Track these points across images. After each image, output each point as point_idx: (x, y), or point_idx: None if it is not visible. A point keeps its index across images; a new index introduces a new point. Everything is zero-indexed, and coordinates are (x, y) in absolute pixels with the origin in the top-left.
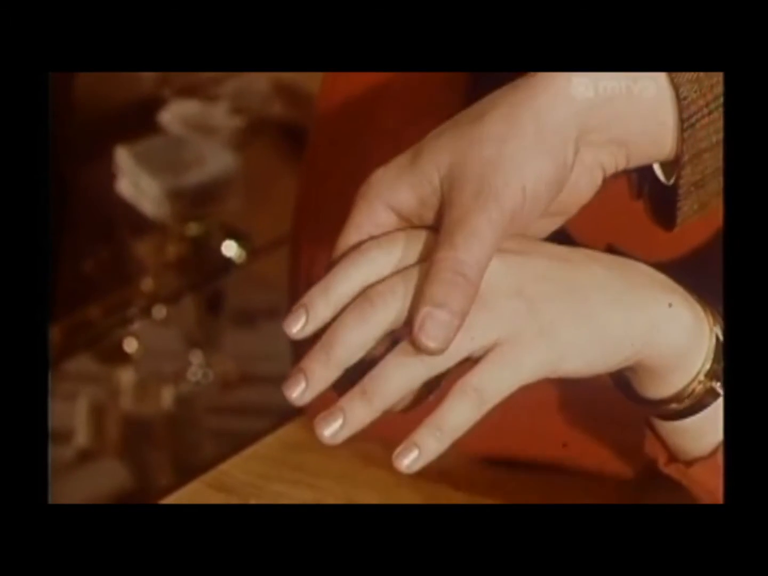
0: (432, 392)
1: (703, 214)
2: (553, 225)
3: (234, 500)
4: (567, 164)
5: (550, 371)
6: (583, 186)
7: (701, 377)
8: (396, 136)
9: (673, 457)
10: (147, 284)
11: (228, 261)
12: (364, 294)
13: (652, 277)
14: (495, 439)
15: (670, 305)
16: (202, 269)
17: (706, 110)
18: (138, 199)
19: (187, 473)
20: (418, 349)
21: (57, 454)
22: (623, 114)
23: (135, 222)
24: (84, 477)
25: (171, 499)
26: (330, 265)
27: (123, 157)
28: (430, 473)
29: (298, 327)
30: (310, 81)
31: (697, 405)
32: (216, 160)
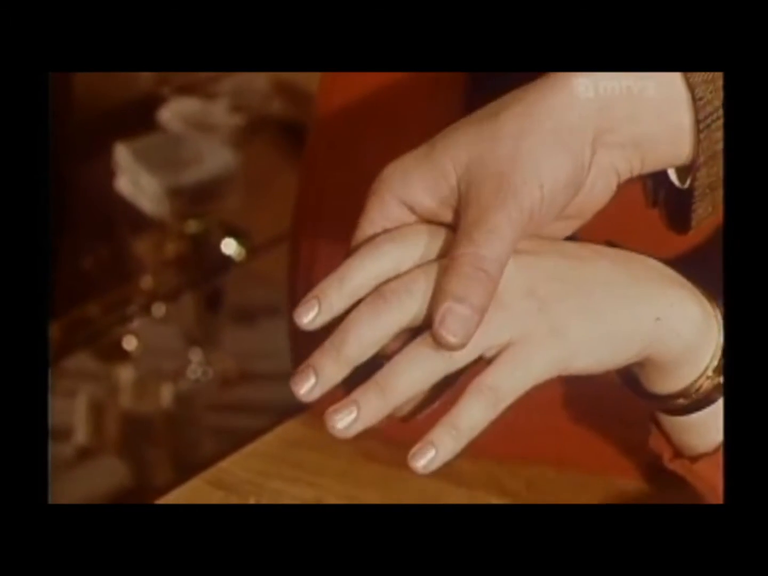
0: (434, 402)
1: (715, 216)
2: (568, 229)
3: (233, 498)
4: (584, 164)
5: (561, 369)
6: (599, 189)
7: (709, 372)
8: (395, 134)
9: (678, 453)
10: (146, 282)
11: (227, 259)
12: (377, 290)
13: (661, 271)
14: (501, 438)
15: (671, 305)
16: (201, 267)
17: (721, 111)
18: (137, 196)
19: (186, 471)
20: (439, 344)
21: (56, 451)
22: (639, 115)
23: (134, 219)
24: (83, 474)
25: (171, 497)
26: (346, 258)
27: (122, 154)
28: (434, 474)
29: (309, 317)
30: (310, 79)
31: (704, 400)
32: (215, 158)
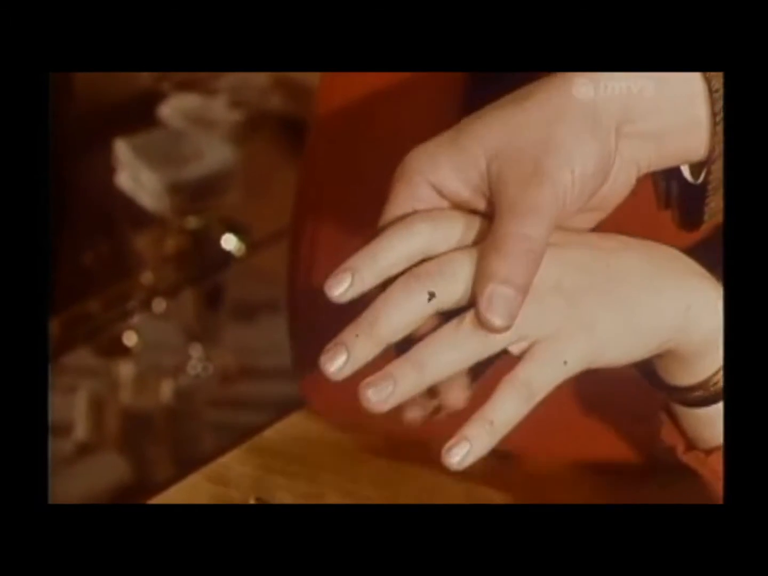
0: (442, 411)
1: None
2: (591, 221)
3: (233, 493)
4: (611, 152)
5: (590, 362)
6: (620, 182)
7: None
8: (396, 131)
9: (691, 446)
10: (146, 278)
11: (227, 254)
12: (411, 271)
13: (684, 262)
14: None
15: (695, 296)
16: (201, 263)
17: None
18: (137, 192)
19: (186, 466)
20: (484, 326)
21: (56, 447)
22: (658, 107)
23: (134, 215)
24: (83, 470)
25: (170, 492)
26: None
27: (122, 150)
28: (431, 466)
29: (340, 290)
30: (309, 75)
31: (722, 393)
32: (215, 154)
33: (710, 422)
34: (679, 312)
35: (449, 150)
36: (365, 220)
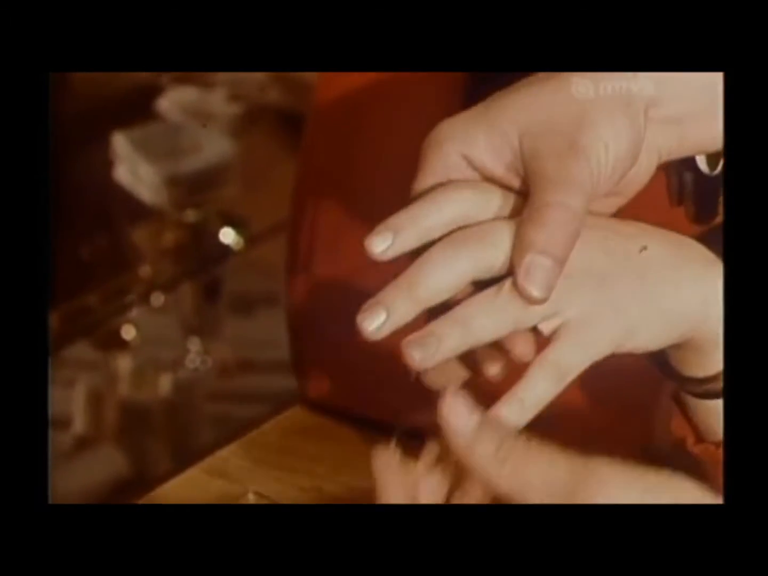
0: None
1: None
2: (612, 206)
3: (232, 487)
4: (641, 134)
5: (619, 346)
6: (644, 167)
7: None
8: (395, 123)
9: (701, 438)
10: (145, 271)
11: (226, 248)
12: (452, 235)
13: (703, 253)
14: None
15: (716, 287)
16: (199, 256)
17: None
18: (135, 186)
19: (185, 460)
20: (522, 296)
21: (55, 441)
22: (684, 92)
23: (133, 209)
24: (82, 464)
25: (169, 486)
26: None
27: (120, 143)
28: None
29: (381, 248)
30: None
31: None
32: (213, 147)
33: (721, 414)
34: (699, 302)
35: (480, 124)
36: (364, 212)
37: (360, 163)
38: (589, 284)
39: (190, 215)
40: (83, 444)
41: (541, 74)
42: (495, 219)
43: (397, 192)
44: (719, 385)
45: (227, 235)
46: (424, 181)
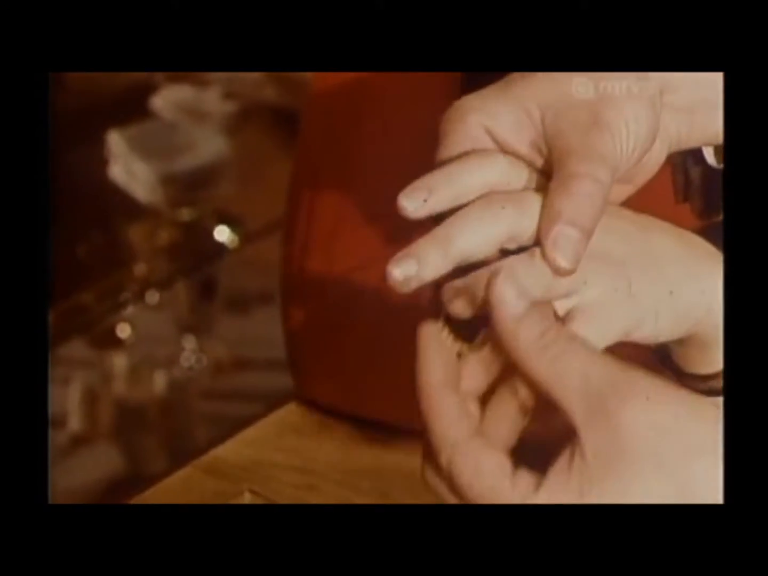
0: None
1: None
2: (621, 194)
3: (227, 485)
4: (658, 115)
5: (627, 334)
6: (655, 154)
7: None
8: (391, 118)
9: None
10: (140, 269)
11: (221, 246)
12: (488, 195)
13: (708, 249)
14: None
15: (715, 291)
16: (194, 254)
17: None
18: (131, 184)
19: (180, 458)
20: (551, 267)
21: (51, 439)
22: (699, 79)
23: (128, 207)
24: (77, 462)
25: (164, 484)
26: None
27: (115, 142)
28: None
29: (414, 205)
30: None
31: None
32: (208, 145)
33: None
34: (706, 297)
35: (503, 101)
36: (361, 209)
37: (356, 159)
38: (608, 269)
39: (185, 213)
40: (78, 442)
41: None
42: (525, 190)
43: (394, 188)
44: (720, 383)
45: (222, 233)
46: (446, 152)
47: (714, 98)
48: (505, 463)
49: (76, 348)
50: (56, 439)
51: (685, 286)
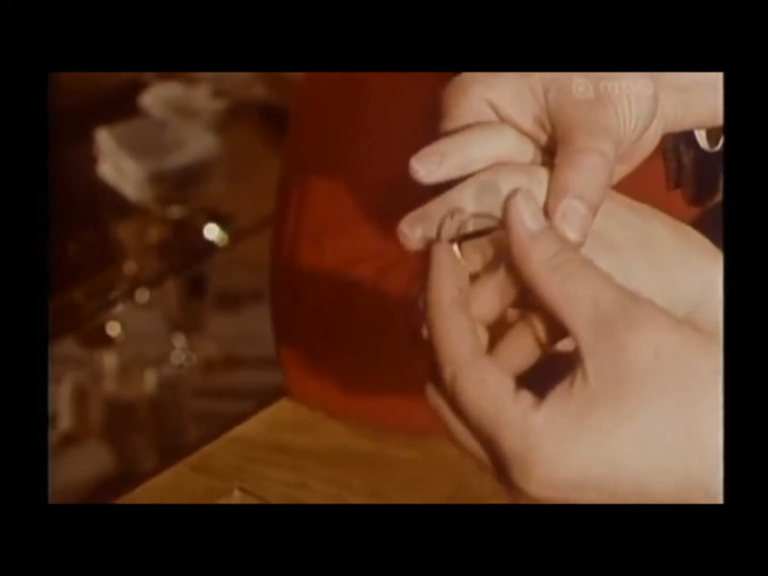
0: None
1: None
2: (620, 174)
3: (217, 483)
4: (657, 92)
5: None
6: (651, 133)
7: None
8: (381, 115)
9: None
10: (129, 268)
11: (210, 244)
12: (498, 163)
13: (700, 240)
14: None
15: (716, 275)
16: (184, 252)
17: None
18: (120, 182)
19: (170, 456)
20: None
21: None
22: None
23: (117, 205)
24: (68, 460)
25: (155, 482)
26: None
27: (104, 140)
28: (419, 459)
29: (427, 170)
30: None
31: None
32: (198, 143)
33: None
34: (700, 289)
35: (505, 77)
36: (351, 205)
37: (346, 155)
38: (605, 253)
39: (175, 211)
40: (69, 440)
41: None
42: (528, 165)
43: (384, 184)
44: None
45: (212, 231)
46: (451, 125)
47: (707, 80)
48: (509, 382)
49: (66, 346)
50: None
51: (679, 276)
